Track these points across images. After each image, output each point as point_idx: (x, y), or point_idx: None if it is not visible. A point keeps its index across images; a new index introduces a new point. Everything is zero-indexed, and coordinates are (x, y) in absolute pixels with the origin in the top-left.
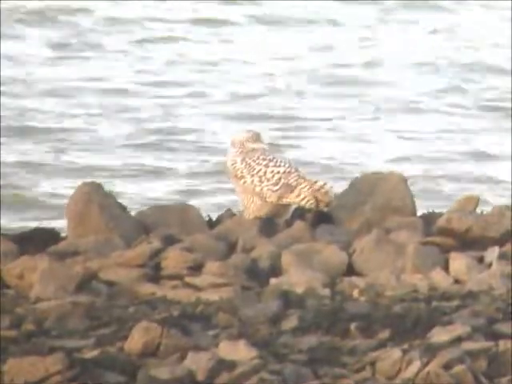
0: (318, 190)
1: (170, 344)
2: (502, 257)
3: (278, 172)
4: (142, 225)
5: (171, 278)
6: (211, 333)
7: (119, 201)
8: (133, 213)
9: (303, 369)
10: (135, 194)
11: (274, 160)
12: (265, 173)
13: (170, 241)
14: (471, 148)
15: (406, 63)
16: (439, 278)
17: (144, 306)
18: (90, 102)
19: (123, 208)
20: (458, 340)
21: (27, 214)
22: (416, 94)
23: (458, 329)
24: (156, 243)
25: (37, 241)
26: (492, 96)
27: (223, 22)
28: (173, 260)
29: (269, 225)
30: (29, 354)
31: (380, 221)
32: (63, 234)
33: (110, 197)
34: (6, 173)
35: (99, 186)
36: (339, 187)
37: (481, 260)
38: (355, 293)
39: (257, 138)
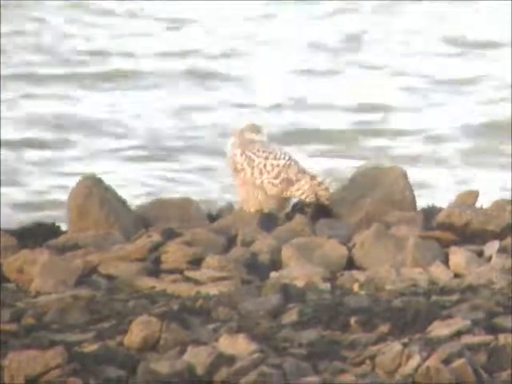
0: (318, 185)
1: (170, 338)
2: (501, 251)
3: (278, 165)
4: (142, 219)
5: (171, 271)
6: (211, 327)
7: None
8: (133, 207)
9: (303, 363)
10: None
11: (274, 153)
12: (265, 165)
13: (169, 235)
14: None
15: None
16: (439, 271)
17: (144, 300)
18: None
19: (123, 202)
20: (458, 334)
21: None
22: None
23: (458, 323)
24: (156, 237)
25: (37, 235)
26: None
27: None
28: (173, 254)
29: (269, 218)
30: (29, 347)
31: (380, 215)
32: (63, 228)
33: (110, 191)
34: None
35: (100, 180)
36: None
37: (480, 254)
38: (355, 287)
39: (256, 129)
